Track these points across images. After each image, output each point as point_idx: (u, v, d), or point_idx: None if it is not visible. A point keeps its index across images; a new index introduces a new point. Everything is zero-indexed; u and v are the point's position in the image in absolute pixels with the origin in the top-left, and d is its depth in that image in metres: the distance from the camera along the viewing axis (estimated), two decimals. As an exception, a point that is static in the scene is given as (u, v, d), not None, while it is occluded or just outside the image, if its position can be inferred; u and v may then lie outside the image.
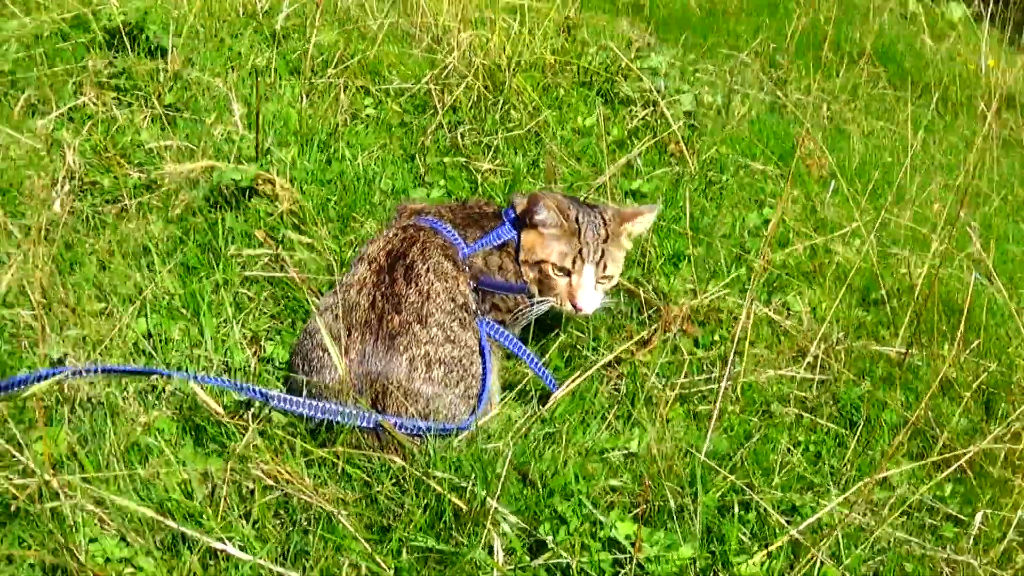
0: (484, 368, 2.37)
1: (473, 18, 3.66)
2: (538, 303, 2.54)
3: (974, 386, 2.55)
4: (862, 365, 2.77)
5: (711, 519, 2.18)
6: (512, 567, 2.05)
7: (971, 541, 2.21)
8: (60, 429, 2.12)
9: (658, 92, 3.48)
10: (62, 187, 3.02)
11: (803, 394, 2.66)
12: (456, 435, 2.24)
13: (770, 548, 2.10)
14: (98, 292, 2.66)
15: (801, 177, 3.32)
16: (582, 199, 2.78)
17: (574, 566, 2.04)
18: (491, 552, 2.03)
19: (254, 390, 2.19)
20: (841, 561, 2.11)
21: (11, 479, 1.91)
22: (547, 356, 2.66)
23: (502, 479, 2.09)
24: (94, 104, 3.35)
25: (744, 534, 2.15)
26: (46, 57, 3.49)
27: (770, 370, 2.69)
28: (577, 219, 2.54)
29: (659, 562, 2.06)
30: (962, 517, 2.34)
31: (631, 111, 3.60)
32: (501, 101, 3.50)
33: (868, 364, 2.78)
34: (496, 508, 2.07)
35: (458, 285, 2.42)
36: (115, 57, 3.51)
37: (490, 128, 3.45)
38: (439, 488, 2.08)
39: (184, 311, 2.62)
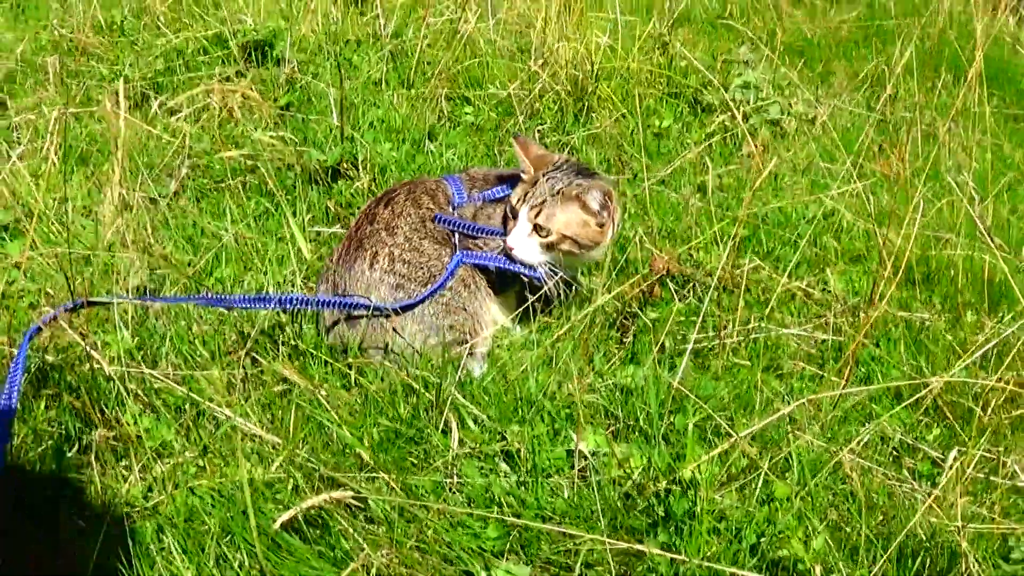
0: (444, 279, 2.64)
1: (571, 35, 4.02)
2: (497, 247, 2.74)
3: (988, 347, 2.53)
4: (882, 331, 2.81)
5: (677, 440, 2.32)
6: (468, 451, 2.28)
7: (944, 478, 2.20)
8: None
9: (745, 102, 3.69)
10: (180, 169, 3.51)
11: (815, 352, 2.73)
12: (387, 315, 2.58)
13: (712, 454, 2.17)
14: (190, 246, 3.15)
15: (873, 175, 3.42)
16: (586, 167, 2.89)
17: (524, 456, 2.24)
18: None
19: (219, 299, 2.74)
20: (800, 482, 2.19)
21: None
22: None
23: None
24: (219, 105, 3.88)
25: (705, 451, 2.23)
26: (187, 68, 4.11)
27: (784, 328, 2.76)
28: (545, 171, 2.71)
29: (609, 465, 2.21)
30: (942, 458, 2.34)
31: (715, 118, 3.81)
32: (584, 105, 3.82)
33: (889, 329, 2.83)
34: (459, 399, 2.38)
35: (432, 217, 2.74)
36: (246, 67, 4.08)
37: (570, 128, 3.76)
38: (415, 384, 2.43)
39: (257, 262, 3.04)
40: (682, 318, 2.76)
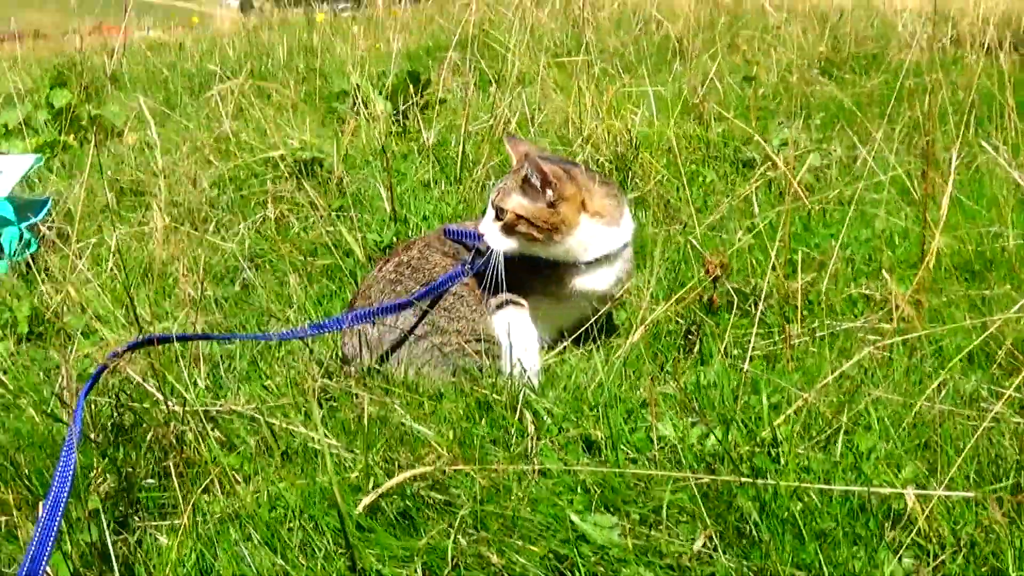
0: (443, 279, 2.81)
1: (609, 112, 4.29)
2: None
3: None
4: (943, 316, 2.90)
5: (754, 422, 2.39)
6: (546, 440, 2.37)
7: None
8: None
9: (783, 157, 3.87)
10: (241, 271, 3.73)
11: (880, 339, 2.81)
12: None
13: (788, 412, 2.26)
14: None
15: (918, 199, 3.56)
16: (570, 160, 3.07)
17: (602, 442, 2.34)
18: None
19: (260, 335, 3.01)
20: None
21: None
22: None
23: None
24: (274, 216, 4.14)
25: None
26: (239, 188, 4.40)
27: (848, 322, 2.86)
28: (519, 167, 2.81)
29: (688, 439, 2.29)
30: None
31: (756, 172, 3.99)
32: (628, 174, 4.04)
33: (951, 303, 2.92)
34: (532, 396, 2.53)
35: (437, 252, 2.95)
36: (298, 183, 4.36)
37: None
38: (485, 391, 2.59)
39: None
40: (744, 325, 2.87)
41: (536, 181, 2.68)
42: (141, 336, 2.61)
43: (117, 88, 7.80)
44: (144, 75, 8.24)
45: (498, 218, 2.74)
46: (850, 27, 6.53)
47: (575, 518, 2.00)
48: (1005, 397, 2.18)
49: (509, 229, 2.72)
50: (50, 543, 1.81)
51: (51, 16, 15.78)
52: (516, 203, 2.71)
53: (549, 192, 2.69)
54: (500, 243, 2.73)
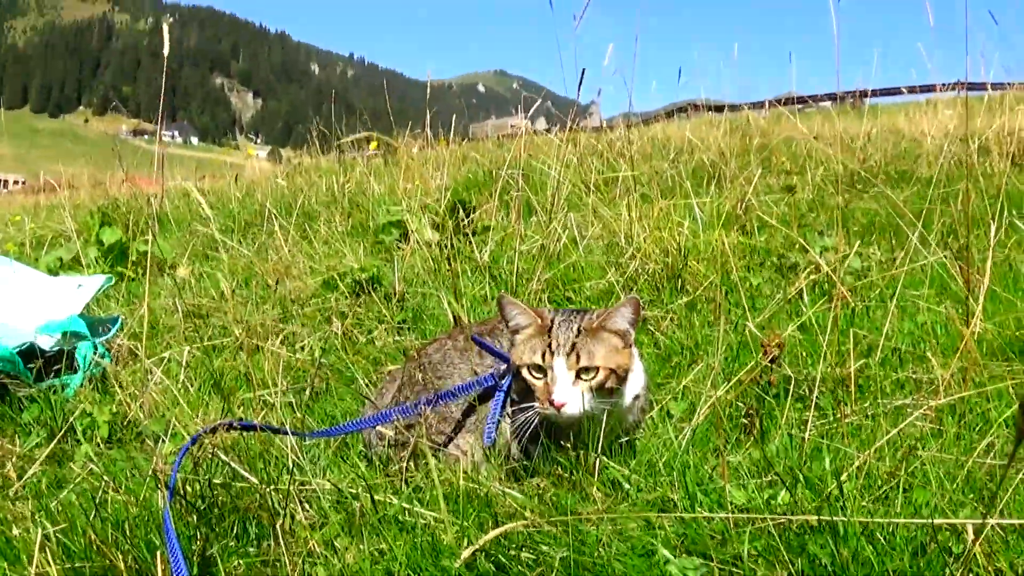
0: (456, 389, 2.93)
1: (656, 227, 4.60)
2: (526, 408, 2.69)
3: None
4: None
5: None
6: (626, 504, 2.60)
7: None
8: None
9: (825, 260, 4.15)
10: (311, 378, 3.98)
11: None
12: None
13: (852, 467, 2.50)
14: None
15: (953, 292, 3.82)
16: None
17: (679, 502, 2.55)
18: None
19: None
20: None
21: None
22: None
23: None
24: (340, 331, 4.41)
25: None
26: (302, 307, 4.70)
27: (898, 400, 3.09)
28: (551, 318, 2.74)
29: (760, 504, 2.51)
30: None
31: (800, 276, 4.25)
32: (678, 282, 4.32)
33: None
34: (606, 461, 2.72)
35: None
36: (359, 301, 4.65)
37: (667, 300, 4.23)
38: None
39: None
40: (799, 408, 3.10)
41: (625, 322, 2.71)
42: (227, 420, 2.86)
43: (162, 228, 8.19)
44: (188, 216, 8.65)
45: (583, 379, 2.64)
46: (879, 147, 6.92)
47: (665, 552, 2.21)
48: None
49: (600, 387, 2.65)
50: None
51: (79, 169, 16.39)
52: (602, 355, 2.65)
53: (632, 331, 2.73)
54: (587, 405, 2.64)
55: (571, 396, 2.60)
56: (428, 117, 8.74)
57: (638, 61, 6.44)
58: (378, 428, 3.02)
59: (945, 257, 3.96)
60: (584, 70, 5.01)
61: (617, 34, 6.18)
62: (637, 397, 2.82)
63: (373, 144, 8.43)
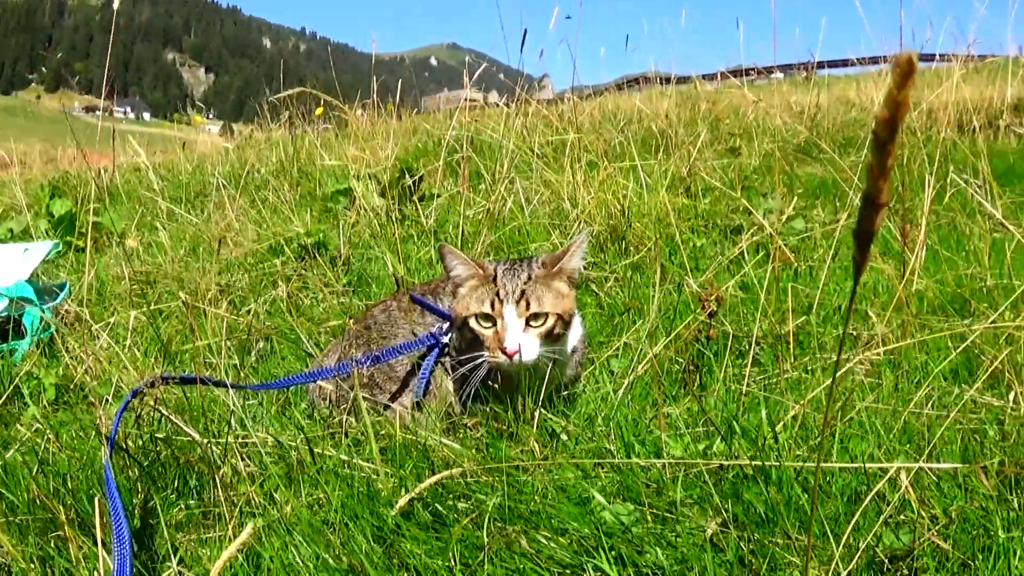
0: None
1: (600, 190, 4.62)
2: (473, 358, 2.70)
3: None
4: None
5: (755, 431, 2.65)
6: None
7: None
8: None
9: (769, 222, 4.19)
10: (256, 342, 3.98)
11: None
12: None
13: (784, 421, 2.53)
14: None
15: (895, 252, 3.88)
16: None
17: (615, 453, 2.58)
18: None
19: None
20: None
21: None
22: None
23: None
24: (285, 294, 4.40)
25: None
26: (247, 272, 4.68)
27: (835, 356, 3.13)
28: (493, 268, 2.77)
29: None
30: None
31: (744, 238, 4.30)
32: (622, 244, 4.34)
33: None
34: (546, 414, 2.73)
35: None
36: (303, 266, 4.64)
37: (611, 261, 4.25)
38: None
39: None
40: (739, 364, 3.13)
41: (579, 260, 2.77)
42: (167, 374, 2.85)
43: (112, 200, 8.13)
44: (137, 188, 8.59)
45: (533, 325, 2.67)
46: (828, 116, 6.99)
47: (600, 498, 2.23)
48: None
49: (549, 335, 2.69)
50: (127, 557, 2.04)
51: (31, 146, 16.18)
52: (551, 302, 2.69)
53: (578, 270, 2.79)
54: (537, 351, 2.66)
55: (524, 342, 2.62)
56: (374, 87, 8.71)
57: (586, 30, 6.45)
58: (320, 386, 3.02)
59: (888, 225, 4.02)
60: (525, 30, 5.00)
61: (563, 2, 6.17)
62: (575, 350, 2.85)
63: (319, 111, 8.40)
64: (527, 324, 2.65)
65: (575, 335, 2.82)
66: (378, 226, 5.09)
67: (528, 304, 2.65)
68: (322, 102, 6.80)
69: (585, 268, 4.25)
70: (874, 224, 1.09)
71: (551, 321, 2.66)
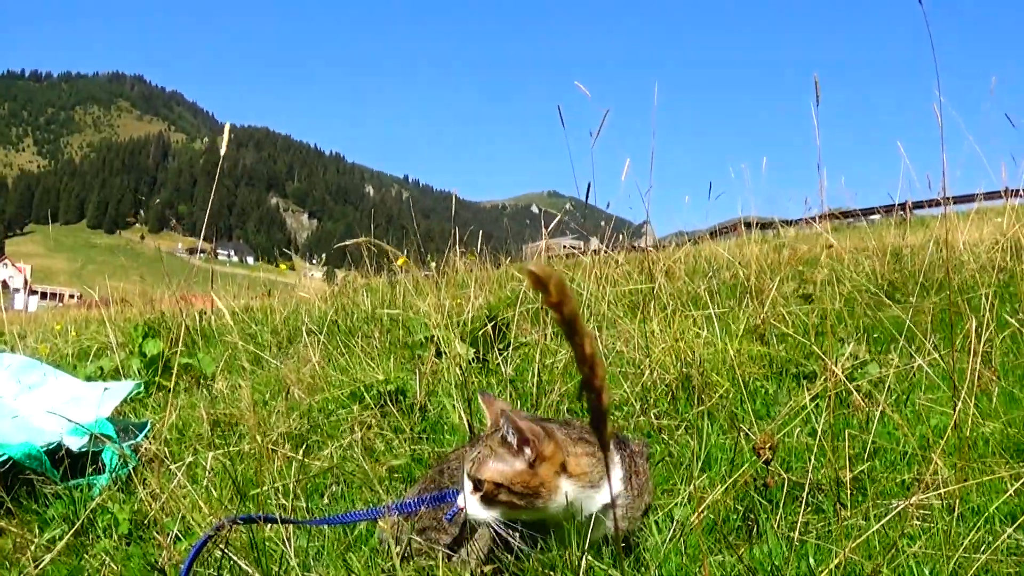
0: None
1: (675, 338, 4.81)
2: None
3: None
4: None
5: None
6: None
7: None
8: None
9: (841, 367, 4.32)
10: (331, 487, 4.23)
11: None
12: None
13: (830, 567, 2.66)
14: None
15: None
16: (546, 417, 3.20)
17: None
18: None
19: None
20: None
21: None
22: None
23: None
24: (360, 438, 4.65)
25: None
26: (328, 417, 4.97)
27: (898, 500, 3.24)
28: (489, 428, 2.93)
29: None
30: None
31: (817, 384, 4.42)
32: (694, 392, 4.51)
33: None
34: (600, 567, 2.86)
35: None
36: (381, 411, 4.90)
37: (683, 409, 4.42)
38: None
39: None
40: (799, 511, 3.26)
41: (513, 440, 2.68)
42: (238, 517, 3.09)
43: (206, 343, 8.55)
44: (232, 331, 9.00)
45: (476, 489, 2.71)
46: (917, 258, 7.11)
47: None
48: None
49: (489, 500, 2.70)
50: None
51: (133, 286, 16.95)
52: (493, 470, 2.68)
53: (528, 451, 2.67)
54: (483, 514, 2.72)
55: (468, 502, 2.73)
56: (456, 234, 9.07)
57: (668, 177, 6.73)
58: (380, 526, 3.21)
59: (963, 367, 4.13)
60: (589, 184, 5.28)
61: (637, 150, 6.42)
62: (610, 506, 2.80)
63: (401, 260, 8.76)
64: (474, 487, 2.72)
65: (602, 496, 2.76)
66: (459, 373, 5.33)
67: (472, 467, 2.73)
68: (405, 252, 7.16)
69: (656, 417, 4.42)
70: (603, 405, 1.21)
71: (486, 487, 2.68)
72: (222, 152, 4.56)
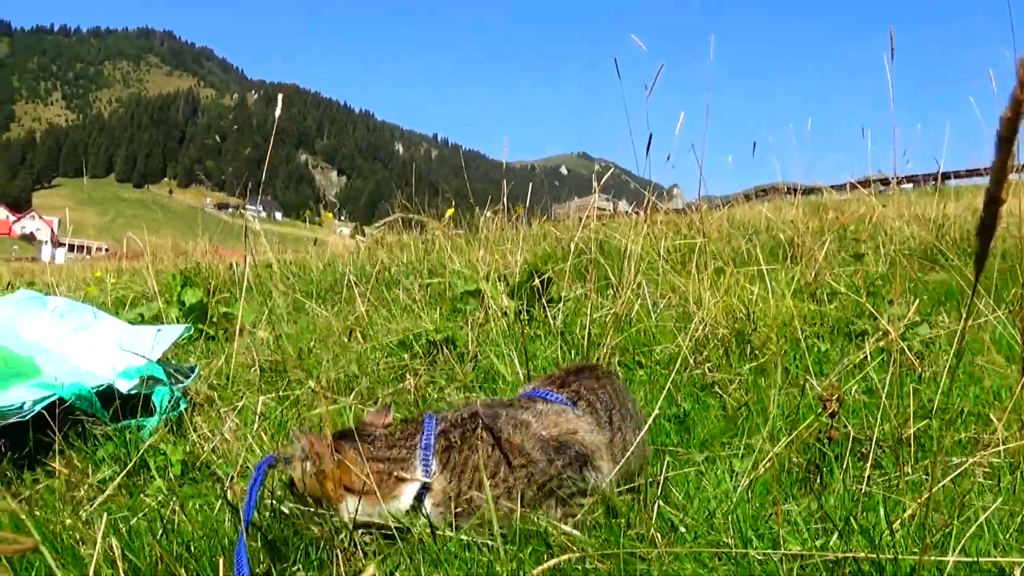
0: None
1: (727, 294, 4.77)
2: None
3: None
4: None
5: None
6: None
7: None
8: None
9: (894, 327, 4.28)
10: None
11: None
12: None
13: (902, 518, 2.62)
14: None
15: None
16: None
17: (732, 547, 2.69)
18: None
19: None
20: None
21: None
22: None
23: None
24: (413, 387, 4.63)
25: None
26: (376, 365, 4.94)
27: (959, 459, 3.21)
28: None
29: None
30: None
31: (869, 342, 4.39)
32: (747, 347, 4.47)
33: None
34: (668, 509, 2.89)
35: None
36: (431, 360, 4.88)
37: (736, 364, 4.38)
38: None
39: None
40: (860, 466, 3.23)
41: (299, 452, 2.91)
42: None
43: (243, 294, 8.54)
44: (267, 283, 8.99)
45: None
46: (955, 226, 7.05)
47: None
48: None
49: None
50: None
51: (162, 239, 16.95)
52: (299, 472, 2.94)
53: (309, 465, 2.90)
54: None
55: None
56: (505, 192, 9.03)
57: (712, 137, 6.65)
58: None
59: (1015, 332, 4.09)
60: (651, 135, 5.22)
61: (688, 109, 6.34)
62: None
63: (450, 212, 8.75)
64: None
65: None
66: (506, 326, 5.30)
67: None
68: (453, 204, 7.13)
69: (709, 371, 4.39)
70: (996, 220, 1.21)
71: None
72: (277, 114, 4.51)
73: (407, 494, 2.88)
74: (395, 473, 2.89)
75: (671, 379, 4.01)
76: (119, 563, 2.68)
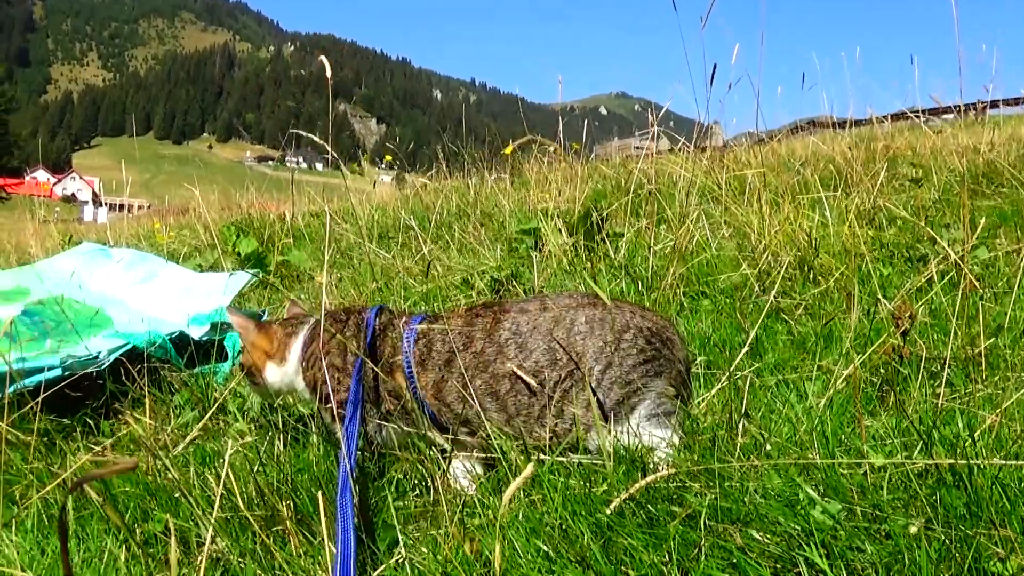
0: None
1: (787, 224, 4.78)
2: None
3: None
4: None
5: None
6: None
7: None
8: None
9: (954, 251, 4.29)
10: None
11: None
12: None
13: (982, 428, 2.65)
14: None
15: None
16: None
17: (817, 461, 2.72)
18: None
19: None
20: None
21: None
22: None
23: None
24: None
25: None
26: (443, 302, 4.99)
27: None
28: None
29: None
30: None
31: (929, 267, 4.39)
32: (810, 273, 4.49)
33: None
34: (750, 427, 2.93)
35: None
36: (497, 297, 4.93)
37: (800, 290, 4.40)
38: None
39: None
40: (932, 385, 3.25)
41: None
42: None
43: (296, 243, 8.59)
44: (320, 231, 9.03)
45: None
46: (1002, 154, 7.01)
47: (812, 493, 2.40)
48: None
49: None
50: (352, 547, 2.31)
51: (206, 194, 17.04)
52: (247, 356, 3.46)
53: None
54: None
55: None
56: (562, 131, 9.02)
57: (764, 66, 6.61)
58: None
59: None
60: (715, 65, 5.21)
61: (741, 40, 6.27)
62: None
63: (508, 149, 8.75)
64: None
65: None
66: (567, 262, 5.33)
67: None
68: (511, 142, 7.13)
69: (775, 297, 4.41)
70: None
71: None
72: (328, 74, 4.53)
73: (293, 353, 3.35)
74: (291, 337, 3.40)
75: (738, 306, 4.04)
76: (216, 500, 2.77)
